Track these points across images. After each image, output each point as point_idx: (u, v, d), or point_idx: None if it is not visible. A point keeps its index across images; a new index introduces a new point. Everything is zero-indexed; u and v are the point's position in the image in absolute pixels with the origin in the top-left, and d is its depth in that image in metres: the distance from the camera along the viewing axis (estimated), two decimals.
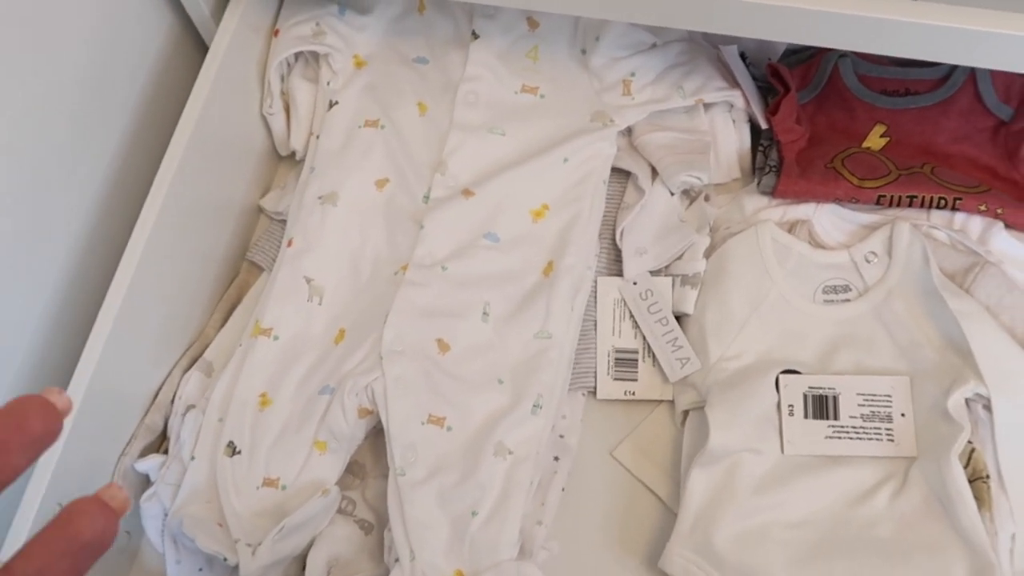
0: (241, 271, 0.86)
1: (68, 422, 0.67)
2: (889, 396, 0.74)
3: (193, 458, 0.72)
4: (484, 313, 0.76)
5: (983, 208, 0.77)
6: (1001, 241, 0.77)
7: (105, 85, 0.76)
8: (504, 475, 0.70)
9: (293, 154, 0.87)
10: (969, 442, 0.70)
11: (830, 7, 0.65)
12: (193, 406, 0.76)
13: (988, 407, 0.71)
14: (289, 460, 0.73)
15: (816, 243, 0.80)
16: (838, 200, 0.80)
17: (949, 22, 0.64)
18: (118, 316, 0.70)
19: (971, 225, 0.78)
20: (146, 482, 0.75)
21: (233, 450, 0.72)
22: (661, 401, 0.79)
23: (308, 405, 0.74)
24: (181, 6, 0.81)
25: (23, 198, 0.70)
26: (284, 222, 0.84)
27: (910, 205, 0.78)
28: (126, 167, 0.81)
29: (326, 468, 0.73)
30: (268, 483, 0.72)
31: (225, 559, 0.69)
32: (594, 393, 0.79)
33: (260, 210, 0.88)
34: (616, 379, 0.79)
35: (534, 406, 0.73)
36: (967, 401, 0.72)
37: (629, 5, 0.69)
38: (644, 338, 0.79)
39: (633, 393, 0.79)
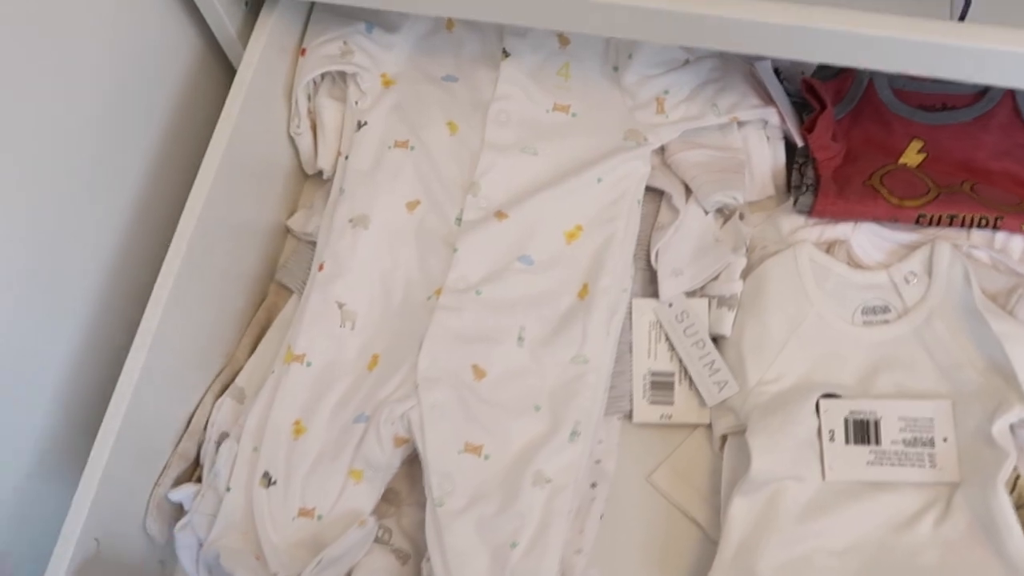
0: (270, 293, 0.85)
1: (105, 454, 0.66)
2: (931, 420, 0.73)
3: (229, 489, 0.72)
4: (519, 338, 0.75)
5: None
6: None
7: (131, 106, 0.75)
8: (543, 505, 0.70)
9: (320, 173, 0.86)
10: (1015, 468, 0.69)
11: (869, 30, 0.63)
12: (226, 433, 0.75)
13: None
14: (325, 490, 0.72)
15: (854, 263, 0.79)
16: (877, 219, 0.79)
17: (996, 44, 0.63)
18: (153, 342, 0.69)
19: (1013, 244, 0.77)
20: (180, 510, 0.74)
21: (269, 481, 0.72)
22: (698, 425, 0.78)
23: (343, 433, 0.73)
24: (207, 26, 0.80)
25: (49, 221, 0.69)
26: (312, 243, 0.83)
27: (950, 224, 0.77)
28: (153, 189, 0.80)
29: (362, 497, 0.72)
30: (304, 513, 0.71)
31: None
32: (630, 417, 0.78)
33: (287, 230, 0.87)
34: (652, 403, 0.78)
35: (572, 433, 0.72)
36: (1011, 426, 0.70)
37: (661, 27, 0.67)
38: (680, 361, 0.78)
39: (670, 417, 0.78)
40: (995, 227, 0.76)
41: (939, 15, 0.64)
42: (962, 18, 0.63)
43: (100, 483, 0.66)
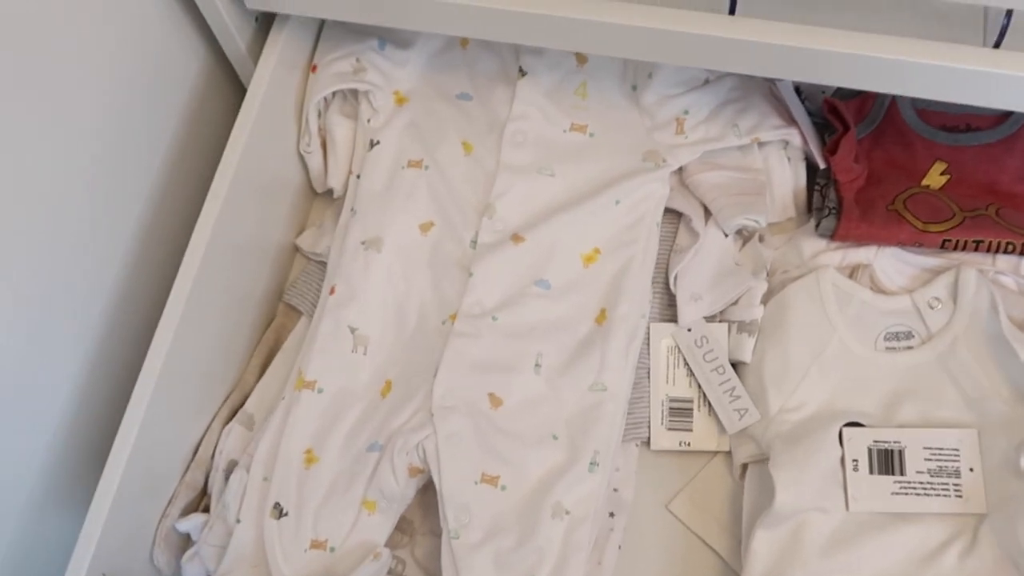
0: (278, 313, 0.83)
1: (114, 484, 0.64)
2: (957, 450, 0.72)
3: (239, 521, 0.70)
4: (536, 365, 0.73)
5: None
6: None
7: (138, 123, 0.74)
8: (562, 538, 0.68)
9: (329, 191, 0.84)
10: None
11: (902, 56, 0.62)
12: (235, 462, 0.73)
13: None
14: (337, 521, 0.70)
15: (877, 288, 0.77)
16: (901, 244, 0.77)
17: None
18: (163, 368, 0.68)
19: None
20: (187, 540, 0.73)
21: (280, 512, 0.70)
22: (717, 452, 0.76)
23: (356, 463, 0.71)
24: (216, 42, 0.78)
25: (55, 242, 0.67)
26: (322, 263, 0.81)
27: (976, 249, 0.76)
28: (161, 207, 0.78)
29: (375, 529, 0.71)
30: (316, 545, 0.70)
31: None
32: (647, 444, 0.76)
33: (296, 249, 0.86)
34: (670, 429, 0.77)
35: (591, 463, 0.70)
36: None
37: (680, 49, 0.66)
38: (699, 387, 0.77)
39: (688, 444, 0.76)
40: (1022, 253, 0.75)
41: (972, 41, 0.63)
42: (997, 45, 0.62)
43: (108, 515, 0.64)
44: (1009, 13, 0.60)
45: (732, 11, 0.64)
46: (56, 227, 0.67)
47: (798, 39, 0.63)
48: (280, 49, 0.77)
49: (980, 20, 0.64)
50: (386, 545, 0.71)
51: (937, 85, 0.63)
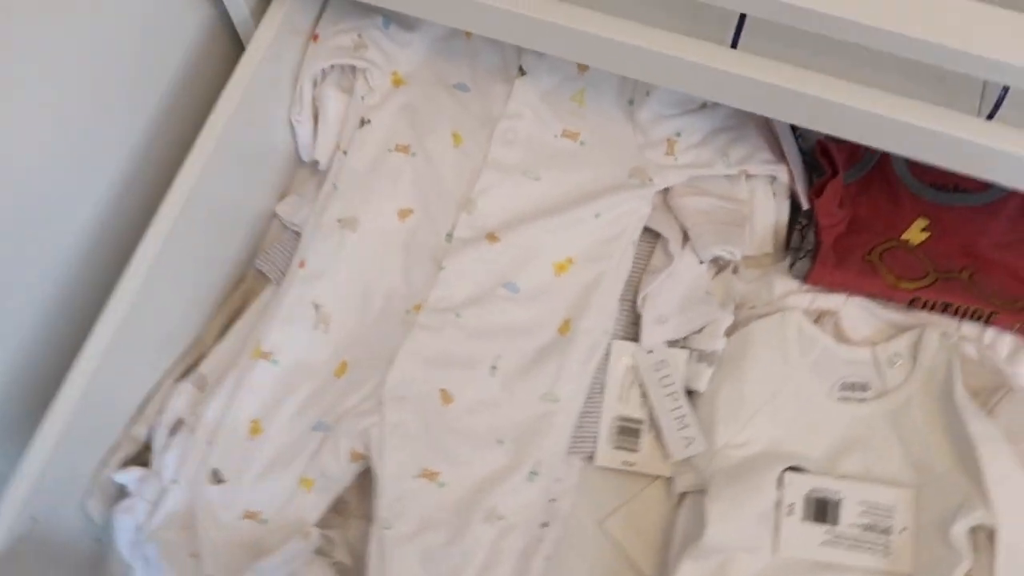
0: (248, 278, 0.83)
1: (55, 431, 0.64)
2: (892, 508, 0.72)
3: (175, 481, 0.70)
4: (493, 367, 0.73)
5: (1018, 327, 0.75)
6: None
7: (136, 72, 0.73)
8: (491, 543, 0.68)
9: (315, 162, 0.84)
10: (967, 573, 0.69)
11: (892, 113, 0.62)
12: (181, 420, 0.74)
13: (992, 538, 0.69)
14: (274, 494, 0.71)
15: (841, 336, 0.77)
16: (871, 296, 0.77)
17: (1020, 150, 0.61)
18: (123, 320, 0.67)
19: (1002, 342, 0.76)
20: (122, 492, 0.73)
21: (218, 478, 0.70)
22: (659, 477, 0.77)
23: (300, 439, 0.72)
24: (221, 2, 0.77)
25: (36, 179, 0.66)
26: (298, 233, 0.81)
27: (943, 311, 0.76)
28: (146, 158, 0.77)
29: (310, 507, 0.71)
30: (249, 515, 0.70)
31: None
32: (591, 458, 0.77)
33: (275, 216, 0.85)
34: (617, 447, 0.77)
35: (531, 472, 0.71)
36: (971, 529, 0.70)
37: (675, 74, 0.65)
38: (651, 410, 0.77)
39: (632, 464, 0.77)
40: (987, 322, 0.75)
41: (967, 108, 0.62)
42: (991, 117, 0.61)
43: (48, 458, 0.64)
44: (1006, 88, 0.60)
45: (735, 44, 0.64)
46: (33, 167, 0.66)
47: (794, 82, 0.63)
48: (284, 13, 0.76)
49: (979, 88, 0.64)
50: (320, 524, 0.72)
51: (924, 147, 0.63)
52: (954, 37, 0.56)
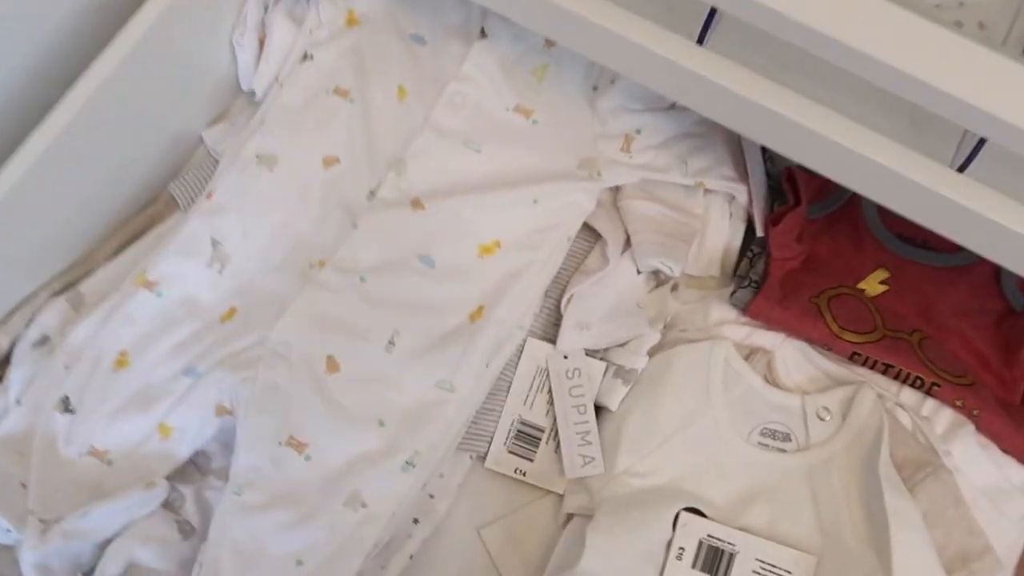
0: (159, 201, 0.77)
1: None
2: (790, 573, 0.67)
3: (19, 403, 0.64)
4: (390, 342, 0.68)
5: (959, 404, 0.69)
6: (966, 446, 0.69)
7: None
8: (348, 531, 0.63)
9: (253, 92, 0.78)
10: None
11: (857, 147, 0.56)
12: (48, 337, 0.68)
13: None
14: (126, 435, 0.65)
15: (771, 379, 0.72)
16: (811, 341, 0.71)
17: (985, 209, 0.55)
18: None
19: (940, 415, 0.70)
20: None
21: (66, 407, 0.64)
22: (550, 492, 0.71)
23: (167, 382, 0.66)
24: None
25: None
26: (217, 162, 0.75)
27: (884, 372, 0.70)
28: (61, 50, 0.71)
29: (164, 456, 0.65)
30: (94, 453, 0.64)
31: (9, 530, 0.61)
32: (483, 459, 0.71)
33: (201, 141, 0.79)
34: (511, 452, 0.71)
35: (407, 463, 0.65)
36: None
37: (633, 63, 0.59)
38: (555, 419, 0.71)
39: (524, 474, 0.71)
40: (929, 392, 0.70)
41: (941, 157, 0.56)
42: (962, 169, 0.55)
43: None
44: (982, 140, 0.54)
45: (701, 41, 0.58)
46: None
47: (757, 93, 0.57)
48: None
49: (958, 137, 0.58)
50: (176, 478, 0.66)
51: (888, 191, 0.57)
52: (936, 73, 0.50)
